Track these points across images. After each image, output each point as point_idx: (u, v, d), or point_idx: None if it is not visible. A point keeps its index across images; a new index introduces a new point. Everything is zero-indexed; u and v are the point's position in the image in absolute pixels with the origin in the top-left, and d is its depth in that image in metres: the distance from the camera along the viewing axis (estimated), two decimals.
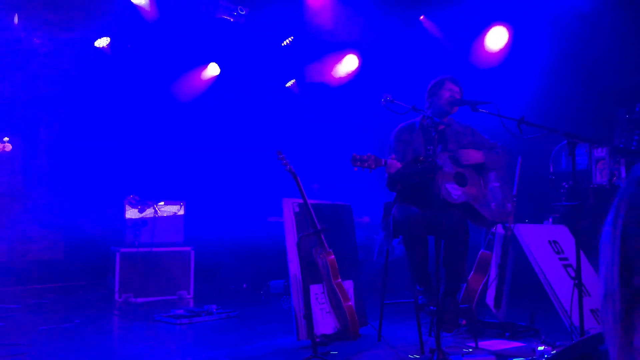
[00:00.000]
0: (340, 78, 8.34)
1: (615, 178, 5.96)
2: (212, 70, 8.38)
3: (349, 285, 4.24)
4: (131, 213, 6.54)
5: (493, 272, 4.47)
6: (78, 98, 7.62)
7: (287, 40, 8.12)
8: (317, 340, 3.68)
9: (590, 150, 5.80)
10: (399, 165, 3.63)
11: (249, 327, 4.78)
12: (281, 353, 3.75)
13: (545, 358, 3.30)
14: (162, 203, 6.68)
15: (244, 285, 7.23)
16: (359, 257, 4.77)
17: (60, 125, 7.64)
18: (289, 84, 8.76)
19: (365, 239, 7.38)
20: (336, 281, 3.90)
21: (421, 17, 7.52)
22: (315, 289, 3.98)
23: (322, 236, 3.94)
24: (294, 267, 4.00)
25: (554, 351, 3.31)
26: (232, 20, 7.72)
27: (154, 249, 6.41)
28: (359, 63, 8.27)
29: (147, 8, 7.25)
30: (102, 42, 7.47)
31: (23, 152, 7.26)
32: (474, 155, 3.89)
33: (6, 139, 4.24)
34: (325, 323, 3.98)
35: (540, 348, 3.51)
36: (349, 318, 3.86)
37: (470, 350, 3.69)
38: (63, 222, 7.47)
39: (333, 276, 3.89)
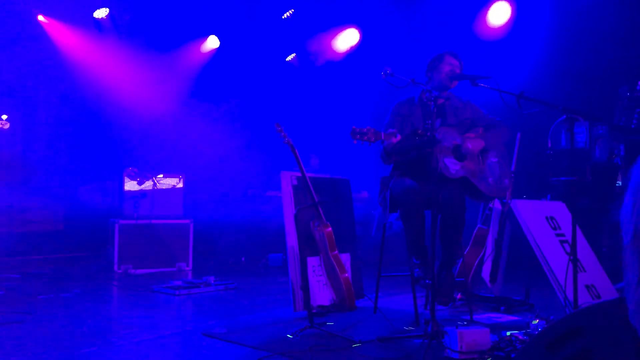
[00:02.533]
0: (341, 52, 8.29)
1: (614, 156, 5.96)
2: (212, 42, 8.33)
3: (346, 258, 4.27)
4: (130, 185, 6.56)
5: (489, 247, 4.50)
6: (77, 70, 7.58)
7: (288, 13, 8.04)
8: (314, 311, 3.72)
9: (589, 128, 5.79)
10: (397, 138, 3.63)
11: (246, 299, 4.83)
12: (278, 323, 3.79)
13: (539, 331, 3.34)
14: (161, 176, 6.69)
15: (243, 259, 7.27)
16: (358, 233, 4.79)
17: (60, 98, 7.62)
18: (289, 58, 8.70)
19: (364, 214, 7.42)
20: (333, 253, 3.92)
21: None
22: (313, 262, 4.01)
23: (320, 209, 3.95)
24: (291, 239, 4.02)
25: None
26: None
27: (153, 221, 6.45)
28: (359, 37, 8.21)
29: None
30: (101, 13, 7.41)
31: (23, 125, 7.25)
32: (475, 145, 3.88)
33: (4, 116, 4.22)
34: (322, 295, 4.01)
35: (535, 322, 3.55)
36: (345, 290, 3.90)
37: (465, 323, 3.73)
38: (63, 194, 7.51)
39: (330, 248, 3.92)
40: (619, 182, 5.90)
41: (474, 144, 3.88)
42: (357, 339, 3.27)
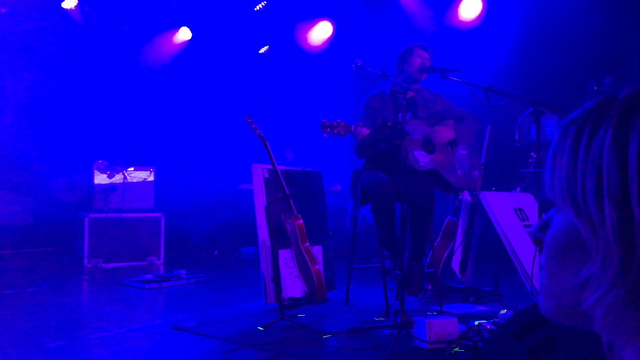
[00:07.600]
0: (314, 45, 8.27)
1: None
2: (184, 34, 8.24)
3: (317, 250, 4.28)
4: (100, 178, 6.47)
5: (459, 238, 4.55)
6: (46, 62, 7.43)
7: (260, 5, 7.99)
8: (285, 303, 3.72)
9: (559, 121, 5.88)
10: (367, 132, 3.65)
11: (218, 292, 4.81)
12: (250, 316, 3.79)
13: (505, 320, 3.39)
14: (132, 169, 6.61)
15: (215, 252, 7.24)
16: (331, 225, 4.80)
17: (28, 90, 7.46)
18: (262, 51, 8.66)
19: (337, 207, 7.44)
20: (304, 245, 3.93)
21: None
22: (284, 254, 4.01)
23: (291, 201, 3.95)
24: (262, 232, 4.02)
25: None
26: None
27: (124, 215, 6.37)
28: (333, 30, 8.20)
29: None
30: (70, 3, 7.26)
31: None
32: (445, 134, 3.92)
33: None
34: (293, 287, 4.02)
35: (503, 312, 3.60)
36: (316, 282, 3.90)
37: (435, 313, 3.77)
38: (31, 187, 7.36)
39: (301, 240, 3.92)
40: None
41: (443, 133, 3.91)
42: (328, 330, 3.29)
